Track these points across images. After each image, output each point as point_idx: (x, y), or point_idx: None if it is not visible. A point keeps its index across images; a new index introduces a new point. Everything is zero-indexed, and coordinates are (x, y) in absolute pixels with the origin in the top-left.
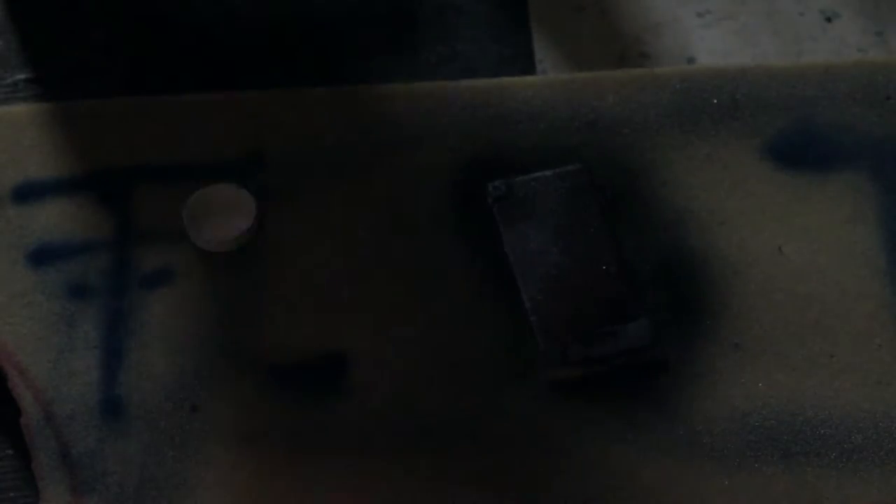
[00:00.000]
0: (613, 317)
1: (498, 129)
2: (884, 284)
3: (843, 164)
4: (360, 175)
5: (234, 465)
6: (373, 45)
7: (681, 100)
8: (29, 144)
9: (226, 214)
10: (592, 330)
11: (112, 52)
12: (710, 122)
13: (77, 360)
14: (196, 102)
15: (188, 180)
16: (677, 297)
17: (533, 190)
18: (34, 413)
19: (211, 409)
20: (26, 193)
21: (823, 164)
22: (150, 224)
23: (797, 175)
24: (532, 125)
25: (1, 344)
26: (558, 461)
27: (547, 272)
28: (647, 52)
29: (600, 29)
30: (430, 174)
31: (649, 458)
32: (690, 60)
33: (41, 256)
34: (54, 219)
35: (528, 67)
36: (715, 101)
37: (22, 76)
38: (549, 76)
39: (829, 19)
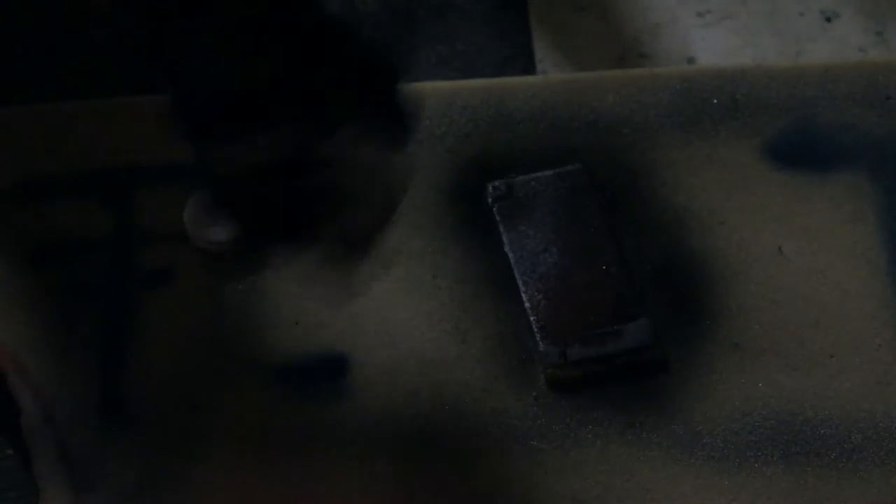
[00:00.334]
0: (613, 317)
1: (498, 129)
2: (884, 284)
3: (843, 164)
4: None
5: (234, 465)
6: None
7: (681, 100)
8: (29, 144)
9: (226, 215)
10: (592, 330)
11: (112, 52)
12: (710, 122)
13: (77, 360)
14: None
15: (188, 180)
16: (677, 297)
17: (533, 190)
18: (34, 413)
19: (211, 409)
20: (26, 193)
21: (823, 164)
22: (150, 224)
23: (797, 175)
24: (532, 125)
25: (1, 344)
26: (558, 461)
27: (547, 272)
28: (647, 52)
29: (600, 29)
30: (430, 174)
31: (649, 458)
32: (690, 60)
33: (41, 256)
34: (54, 219)
35: (528, 67)
36: (715, 101)
37: (21, 76)
38: (549, 76)
39: (829, 19)
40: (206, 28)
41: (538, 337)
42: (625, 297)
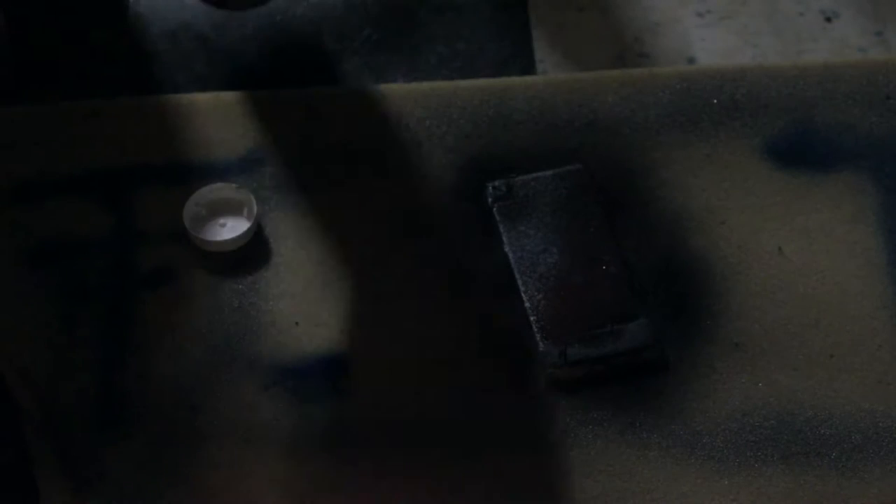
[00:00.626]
0: (613, 317)
1: (498, 129)
2: (884, 284)
3: (843, 164)
4: (359, 175)
5: (234, 465)
6: (373, 45)
7: (681, 100)
8: (31, 144)
9: (225, 214)
10: (592, 330)
11: (112, 53)
12: (710, 122)
13: (77, 360)
14: (196, 102)
15: (188, 180)
16: (677, 297)
17: (533, 190)
18: (34, 413)
19: (211, 409)
20: (26, 193)
21: (823, 164)
22: (150, 224)
23: (797, 175)
24: (532, 125)
25: (1, 344)
26: (558, 461)
27: (547, 272)
28: (647, 52)
29: (600, 29)
30: (430, 174)
31: (649, 458)
32: (690, 60)
33: (41, 256)
34: (54, 219)
35: (528, 67)
36: (715, 101)
37: (21, 76)
38: (549, 76)
39: (829, 19)
40: None
41: (538, 337)
42: (625, 297)
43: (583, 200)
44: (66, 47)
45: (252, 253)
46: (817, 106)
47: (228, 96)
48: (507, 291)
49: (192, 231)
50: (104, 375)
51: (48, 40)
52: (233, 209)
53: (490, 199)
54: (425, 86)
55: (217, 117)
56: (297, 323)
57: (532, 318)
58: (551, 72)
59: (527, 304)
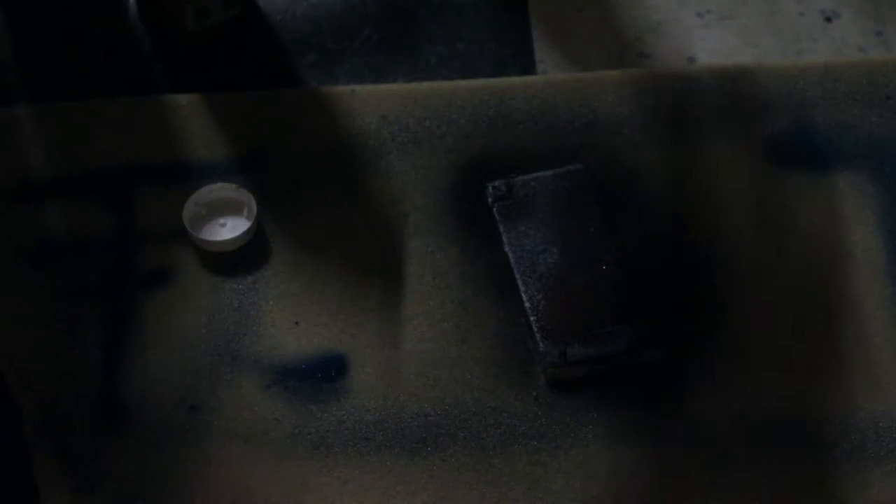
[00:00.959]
0: (613, 317)
1: (498, 129)
2: (884, 284)
3: (843, 164)
4: (359, 175)
5: (234, 465)
6: (373, 45)
7: (681, 100)
8: (29, 144)
9: (226, 214)
10: (592, 330)
11: (112, 52)
12: (711, 122)
13: (77, 360)
14: (196, 102)
15: (188, 180)
16: (678, 297)
17: (533, 190)
18: (34, 413)
19: (211, 409)
20: (26, 193)
21: (823, 164)
22: (149, 224)
23: (797, 175)
24: (532, 125)
25: (1, 344)
26: (558, 461)
27: (547, 272)
28: (648, 52)
29: (600, 29)
30: (430, 174)
31: (649, 458)
32: (690, 60)
33: (41, 256)
34: (54, 219)
35: (528, 67)
36: (715, 101)
37: (21, 76)
38: (549, 76)
39: (829, 19)
40: None
41: (538, 337)
42: (625, 298)
43: (583, 200)
44: (66, 47)
45: (252, 253)
46: (817, 106)
47: (228, 96)
48: (507, 291)
49: (192, 231)
50: (104, 375)
51: (48, 40)
52: (233, 209)
53: (490, 199)
54: (425, 86)
55: (217, 117)
56: (297, 323)
57: (532, 318)
58: (551, 72)
59: (527, 304)
